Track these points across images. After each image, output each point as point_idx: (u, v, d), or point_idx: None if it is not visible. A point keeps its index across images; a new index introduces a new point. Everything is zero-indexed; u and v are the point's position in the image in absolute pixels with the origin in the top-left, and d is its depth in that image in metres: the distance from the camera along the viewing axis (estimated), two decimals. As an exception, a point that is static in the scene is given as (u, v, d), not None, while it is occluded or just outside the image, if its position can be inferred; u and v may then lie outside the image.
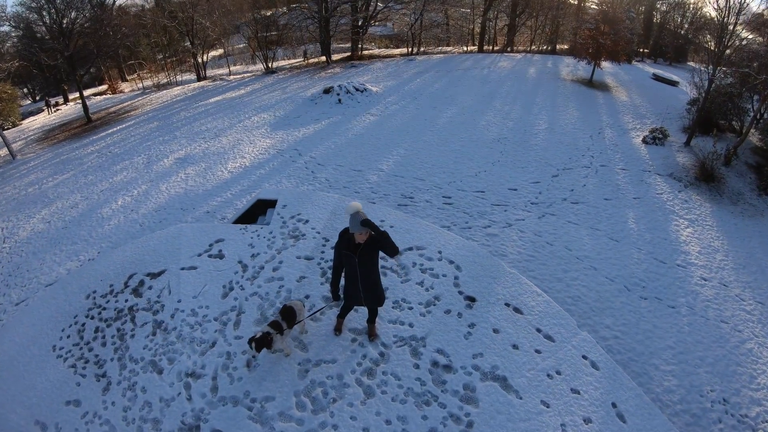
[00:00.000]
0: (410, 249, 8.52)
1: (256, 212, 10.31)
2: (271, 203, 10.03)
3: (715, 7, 17.42)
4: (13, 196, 16.75)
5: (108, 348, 7.16)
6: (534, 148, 16.09)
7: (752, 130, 18.02)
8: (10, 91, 29.32)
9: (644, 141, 17.57)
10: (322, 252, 8.42)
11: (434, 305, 7.22)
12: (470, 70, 27.69)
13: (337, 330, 6.65)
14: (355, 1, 34.04)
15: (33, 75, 42.02)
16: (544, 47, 39.88)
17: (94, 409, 6.31)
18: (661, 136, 17.48)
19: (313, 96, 22.57)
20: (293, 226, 9.17)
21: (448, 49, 39.93)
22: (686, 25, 41.61)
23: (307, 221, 9.32)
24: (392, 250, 5.43)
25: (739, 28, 17.78)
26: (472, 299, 7.35)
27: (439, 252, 8.40)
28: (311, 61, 36.85)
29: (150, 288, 8.07)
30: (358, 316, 6.93)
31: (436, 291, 7.49)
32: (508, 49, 38.63)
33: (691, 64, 38.03)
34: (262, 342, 5.67)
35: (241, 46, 47.37)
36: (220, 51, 47.16)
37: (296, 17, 36.53)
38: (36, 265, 11.64)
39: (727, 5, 16.86)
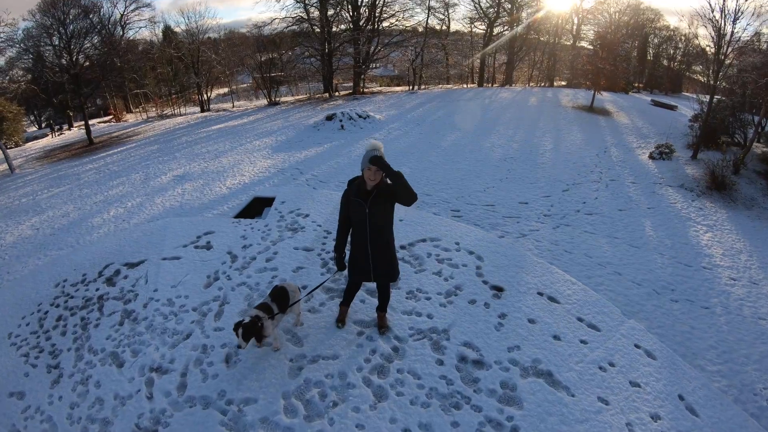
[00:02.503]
0: (423, 240, 7.20)
1: (253, 213, 8.99)
2: (269, 202, 8.68)
3: (708, 41, 17.16)
4: (5, 205, 15.80)
5: (67, 337, 5.82)
6: (542, 166, 15.39)
7: (756, 143, 17.59)
8: (15, 111, 28.61)
9: (651, 156, 16.90)
10: (324, 243, 7.05)
11: (456, 295, 5.81)
12: (472, 101, 27.18)
13: (340, 321, 5.20)
14: (357, 39, 33.72)
15: (39, 101, 41.13)
16: (543, 84, 39.57)
17: (37, 403, 4.94)
18: (667, 150, 16.82)
19: (316, 123, 21.69)
20: (292, 220, 7.84)
21: (449, 86, 39.59)
22: (679, 57, 41.68)
23: (307, 215, 7.99)
24: (408, 194, 4.09)
25: (731, 57, 17.64)
26: (500, 289, 5.96)
27: (457, 243, 7.07)
28: (314, 95, 36.40)
29: (125, 278, 6.72)
30: (366, 307, 5.51)
31: (457, 281, 6.09)
32: (507, 85, 38.30)
33: (687, 94, 37.83)
34: (250, 329, 4.22)
35: (246, 85, 47.10)
36: (225, 89, 46.88)
37: (300, 55, 36.28)
38: (18, 267, 10.51)
39: (719, 35, 16.66)
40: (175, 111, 37.14)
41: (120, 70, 34.33)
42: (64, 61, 29.22)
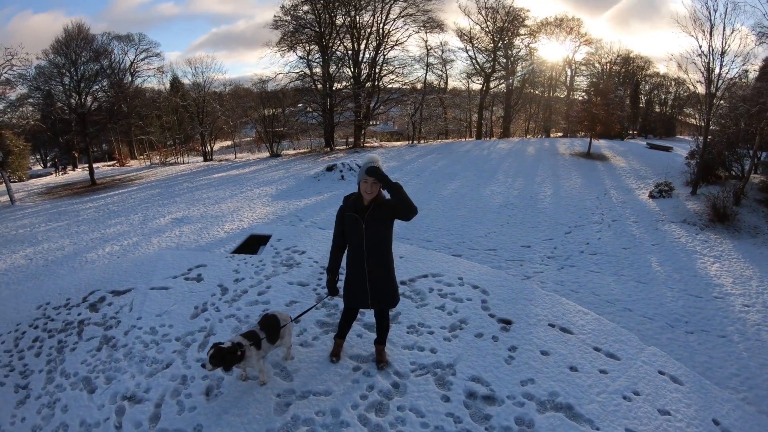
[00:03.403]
0: (424, 276, 6.78)
1: (248, 250, 8.56)
2: (265, 240, 8.27)
3: (697, 77, 17.65)
4: (2, 234, 15.54)
5: (41, 359, 5.47)
6: (542, 211, 15.22)
7: (753, 174, 17.53)
8: (22, 146, 28.75)
9: (651, 196, 16.82)
10: (319, 279, 6.61)
11: (461, 329, 5.32)
12: (470, 152, 27.36)
13: (335, 356, 4.68)
14: (358, 94, 34.39)
15: (46, 139, 41.59)
16: (539, 135, 40.09)
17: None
18: (667, 188, 16.75)
19: (316, 174, 21.64)
20: (287, 256, 7.43)
21: (447, 140, 40.11)
22: (670, 101, 42.48)
23: (303, 252, 7.59)
24: (407, 206, 3.75)
25: (721, 89, 17.90)
26: (508, 322, 5.48)
27: (460, 278, 6.65)
28: (315, 149, 36.81)
29: (110, 304, 6.34)
30: (363, 341, 5.01)
31: (462, 314, 5.62)
32: (505, 137, 38.80)
33: (681, 136, 38.24)
34: (226, 355, 3.72)
35: (249, 138, 47.71)
36: (228, 142, 47.45)
37: (302, 110, 36.94)
38: (6, 293, 10.04)
39: (708, 69, 16.97)
40: (178, 159, 37.47)
41: (126, 115, 34.99)
42: (72, 101, 29.74)
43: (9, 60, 24.93)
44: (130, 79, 40.57)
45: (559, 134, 39.74)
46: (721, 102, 18.69)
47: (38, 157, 46.40)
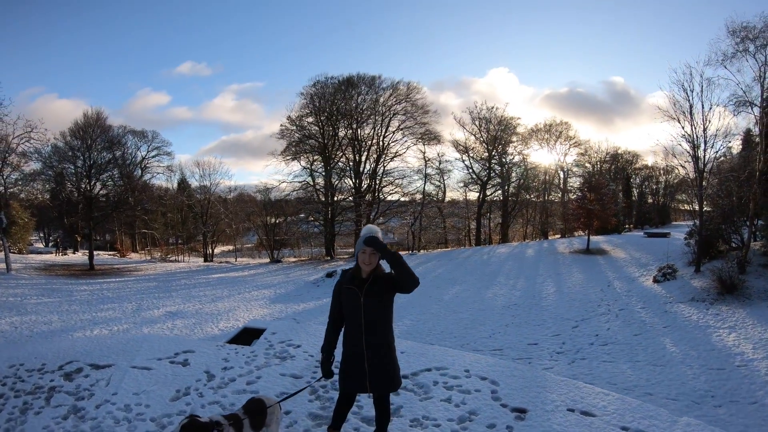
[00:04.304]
0: (428, 370, 6.25)
1: (240, 342, 8.04)
2: (258, 333, 7.79)
3: (685, 158, 18.69)
4: None
5: (2, 416, 5.07)
6: (547, 309, 15.10)
7: (753, 241, 17.66)
8: (27, 219, 28.58)
9: (655, 280, 16.77)
10: (314, 372, 6.10)
11: (470, 420, 4.76)
12: (470, 258, 27.50)
13: (328, 450, 4.10)
14: (359, 204, 35.21)
15: (51, 219, 41.33)
16: (537, 238, 40.41)
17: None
18: (670, 271, 16.75)
19: (316, 280, 21.75)
20: (281, 349, 6.96)
21: (447, 249, 40.37)
22: (662, 191, 43.45)
23: (299, 346, 7.11)
24: (409, 277, 3.48)
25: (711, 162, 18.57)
26: (522, 410, 4.93)
27: (466, 370, 6.12)
28: (316, 257, 36.99)
29: (86, 376, 5.85)
30: (360, 437, 4.43)
31: (470, 406, 5.06)
32: (503, 242, 39.07)
33: (676, 222, 38.59)
34: (199, 430, 3.18)
35: (250, 245, 47.98)
36: (230, 247, 47.57)
37: (304, 219, 37.65)
38: None
39: (695, 156, 17.87)
40: (179, 257, 37.66)
41: (132, 207, 35.54)
42: (82, 185, 30.41)
43: (28, 132, 25.78)
44: (140, 173, 41.66)
45: (557, 236, 40.05)
46: (711, 178, 19.23)
47: (41, 235, 46.60)
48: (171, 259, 36.87)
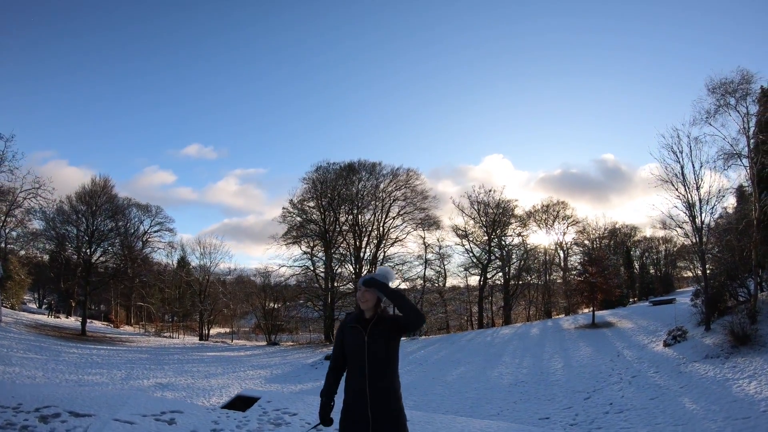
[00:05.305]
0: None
1: (233, 409, 7.68)
2: (253, 401, 7.46)
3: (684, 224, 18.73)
4: None
5: None
6: (556, 383, 14.59)
7: (760, 292, 17.40)
8: (23, 277, 27.41)
9: (666, 344, 16.35)
10: (309, 435, 5.77)
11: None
12: (474, 340, 26.84)
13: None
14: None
15: (47, 281, 40.23)
16: (541, 318, 39.59)
17: None
18: (680, 333, 16.41)
19: (314, 363, 21.41)
20: (276, 416, 6.62)
21: (449, 334, 39.45)
22: (662, 260, 43.10)
23: (295, 414, 6.76)
24: (413, 312, 3.27)
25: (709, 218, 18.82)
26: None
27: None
28: (314, 342, 36.35)
29: (63, 422, 5.41)
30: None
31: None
32: (506, 324, 38.24)
33: (680, 290, 37.97)
34: None
35: (247, 328, 46.60)
36: (227, 329, 45.93)
37: (303, 304, 37.34)
38: None
39: (692, 215, 18.14)
40: (174, 334, 36.43)
41: (130, 279, 34.92)
42: (83, 249, 30.03)
43: (36, 188, 25.85)
44: (141, 245, 41.14)
45: (561, 315, 39.26)
46: (710, 235, 19.37)
47: (36, 295, 45.02)
48: (165, 334, 35.99)
